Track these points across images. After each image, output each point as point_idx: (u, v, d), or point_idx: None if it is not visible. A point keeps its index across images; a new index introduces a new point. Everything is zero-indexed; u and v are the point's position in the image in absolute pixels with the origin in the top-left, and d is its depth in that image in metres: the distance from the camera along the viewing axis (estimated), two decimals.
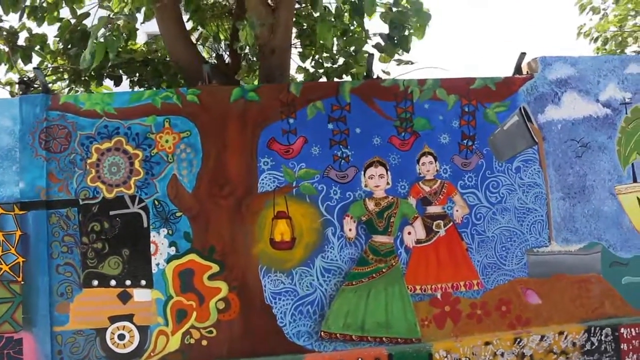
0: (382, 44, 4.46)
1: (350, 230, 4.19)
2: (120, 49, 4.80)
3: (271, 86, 4.39)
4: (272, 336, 4.13)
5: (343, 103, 4.30)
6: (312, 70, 5.37)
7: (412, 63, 4.68)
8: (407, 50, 4.34)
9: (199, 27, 5.57)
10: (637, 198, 4.73)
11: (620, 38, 6.41)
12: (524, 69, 4.79)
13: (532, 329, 4.41)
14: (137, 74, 5.43)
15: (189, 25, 5.44)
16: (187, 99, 4.22)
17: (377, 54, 4.65)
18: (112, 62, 4.77)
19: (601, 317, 4.53)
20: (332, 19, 4.70)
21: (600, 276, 4.57)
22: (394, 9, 4.22)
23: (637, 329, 4.50)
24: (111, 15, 3.78)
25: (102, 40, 3.47)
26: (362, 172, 4.27)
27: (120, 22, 3.88)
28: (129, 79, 5.48)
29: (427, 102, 4.39)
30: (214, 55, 5.71)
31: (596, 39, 6.42)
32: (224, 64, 5.49)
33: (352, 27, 5.34)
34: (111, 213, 4.08)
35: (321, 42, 3.86)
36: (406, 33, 4.38)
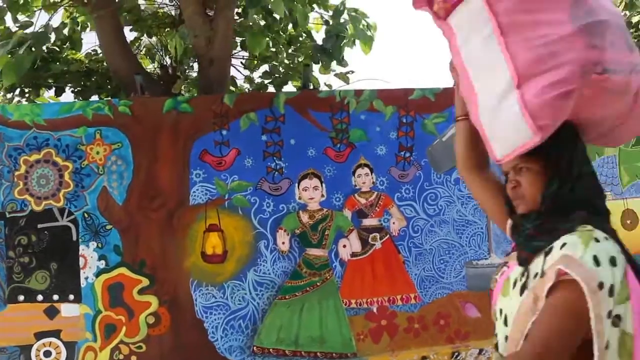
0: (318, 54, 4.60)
1: (283, 243, 4.33)
2: (58, 60, 4.93)
3: (204, 97, 4.55)
4: (203, 351, 4.24)
5: (277, 114, 4.45)
6: (258, 81, 5.52)
7: (351, 72, 4.84)
8: (340, 62, 4.49)
9: (142, 38, 5.71)
10: None
11: None
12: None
13: (470, 342, 4.53)
14: (81, 85, 5.55)
15: (132, 36, 5.58)
16: (119, 110, 4.36)
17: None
18: (52, 72, 4.89)
19: None
20: (267, 28, 4.84)
21: None
22: (330, 21, 4.37)
23: None
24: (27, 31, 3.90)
25: (10, 57, 3.60)
26: (296, 184, 4.41)
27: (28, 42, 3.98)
28: (71, 90, 5.60)
29: (364, 113, 4.55)
30: (159, 66, 5.86)
31: None
32: (167, 74, 5.63)
33: (300, 38, 5.50)
34: (39, 226, 4.19)
35: (255, 52, 4.00)
36: (348, 43, 4.52)
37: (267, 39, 4.63)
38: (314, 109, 4.59)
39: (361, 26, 5.12)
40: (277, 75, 5.34)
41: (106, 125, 4.41)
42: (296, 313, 4.40)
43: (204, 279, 4.35)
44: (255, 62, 5.65)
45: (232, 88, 6.28)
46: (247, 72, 5.75)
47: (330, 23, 4.58)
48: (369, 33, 5.30)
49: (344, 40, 4.60)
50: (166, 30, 5.52)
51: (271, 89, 5.74)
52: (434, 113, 4.74)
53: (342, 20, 4.62)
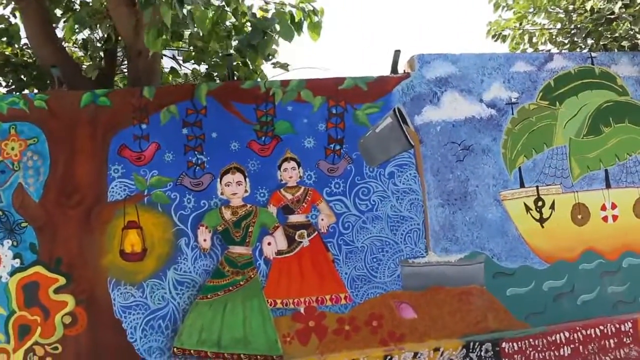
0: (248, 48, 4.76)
1: (204, 240, 4.50)
2: None
3: (123, 90, 4.74)
4: (121, 352, 4.44)
5: (199, 107, 4.63)
6: (190, 72, 5.71)
7: (287, 65, 4.99)
8: (265, 57, 4.65)
9: (77, 29, 5.92)
10: (525, 204, 5.01)
11: (517, 36, 6.72)
12: (405, 67, 5.07)
13: (405, 345, 4.69)
14: (16, 77, 5.77)
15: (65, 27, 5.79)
16: (35, 104, 4.56)
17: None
18: None
19: (483, 331, 4.80)
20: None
21: (483, 288, 4.86)
22: (258, 15, 4.53)
23: (519, 343, 4.77)
24: None
25: None
26: (218, 179, 4.59)
27: None
28: (5, 83, 5.82)
29: (291, 104, 4.71)
30: (97, 58, 6.07)
31: (498, 37, 6.72)
32: (107, 66, 5.84)
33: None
34: None
35: (202, 28, 4.16)
36: (274, 41, 4.67)
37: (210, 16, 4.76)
38: (237, 100, 4.77)
39: (307, 11, 5.22)
40: (207, 67, 5.51)
41: (21, 120, 4.62)
42: (219, 313, 4.56)
43: (123, 277, 4.53)
44: (194, 53, 5.82)
45: (180, 81, 6.46)
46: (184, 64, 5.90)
47: (257, 16, 4.71)
48: (316, 18, 5.43)
49: (271, 36, 4.71)
50: (98, 21, 5.70)
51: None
52: (367, 103, 4.91)
53: (269, 15, 4.75)
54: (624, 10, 5.71)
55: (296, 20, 5.10)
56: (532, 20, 6.75)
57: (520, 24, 6.67)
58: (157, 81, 5.46)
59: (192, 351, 4.59)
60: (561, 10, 6.47)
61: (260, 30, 4.72)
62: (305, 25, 5.20)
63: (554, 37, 6.67)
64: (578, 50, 6.58)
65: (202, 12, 4.17)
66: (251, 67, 5.38)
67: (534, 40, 6.80)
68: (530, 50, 7.08)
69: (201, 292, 4.64)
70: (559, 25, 6.66)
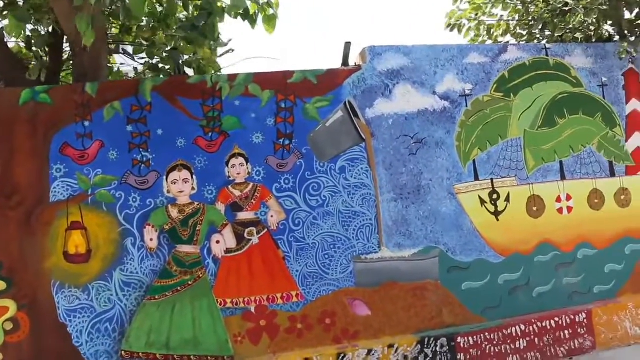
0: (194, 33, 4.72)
1: (151, 240, 4.48)
2: None
3: (64, 87, 4.68)
4: (67, 357, 4.43)
5: (143, 103, 4.59)
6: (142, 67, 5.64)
7: (231, 51, 4.96)
8: (214, 39, 4.60)
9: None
10: (479, 197, 5.05)
11: (474, 27, 6.77)
12: (357, 60, 5.07)
13: (360, 342, 4.72)
14: None
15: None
16: None
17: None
18: None
19: (438, 326, 4.86)
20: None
21: (437, 282, 4.90)
22: None
23: (475, 337, 4.82)
24: None
25: None
26: (165, 177, 4.57)
27: None
28: None
29: (239, 98, 4.71)
30: (42, 55, 5.96)
31: (454, 27, 6.77)
32: (54, 62, 5.74)
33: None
34: None
35: (138, 15, 4.09)
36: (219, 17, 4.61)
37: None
38: (183, 96, 4.75)
39: (262, 3, 5.18)
40: (154, 60, 5.46)
41: None
42: (167, 314, 4.55)
43: (67, 280, 4.50)
44: (145, 48, 5.75)
45: (131, 76, 6.38)
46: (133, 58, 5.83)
47: None
48: (271, 11, 5.39)
49: (216, 15, 4.66)
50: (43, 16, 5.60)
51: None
52: (316, 97, 4.93)
53: None
54: (576, 2, 5.78)
55: (251, 13, 5.05)
56: (489, 12, 6.80)
57: (477, 15, 6.72)
58: (104, 77, 5.40)
59: (140, 354, 4.58)
60: (518, 2, 6.52)
61: (206, 12, 4.67)
62: (260, 18, 5.15)
63: (511, 28, 6.73)
64: (535, 41, 6.64)
65: None
66: (199, 57, 5.32)
67: (492, 32, 6.85)
68: (489, 42, 7.14)
69: (149, 293, 4.63)
70: (517, 17, 6.72)
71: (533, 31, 6.75)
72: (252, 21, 5.11)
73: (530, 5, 6.59)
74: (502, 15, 6.97)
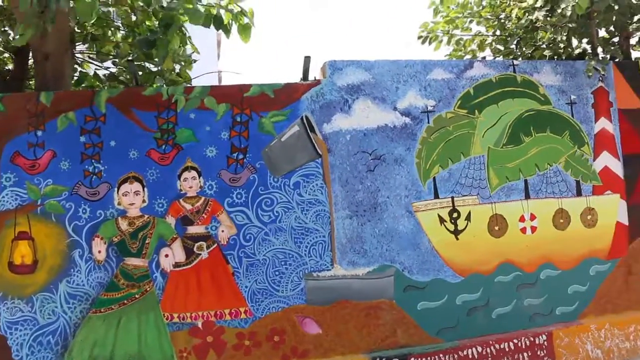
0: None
1: (99, 252, 4.54)
2: None
3: (18, 95, 4.76)
4: None
5: (98, 114, 4.67)
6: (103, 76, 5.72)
7: (193, 61, 5.02)
8: (165, 54, 4.66)
9: None
10: (439, 216, 5.07)
11: (447, 41, 6.82)
12: (319, 74, 5.12)
13: None
14: None
15: None
16: None
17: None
18: None
19: (392, 346, 4.88)
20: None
21: (392, 302, 4.94)
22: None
23: (429, 358, 4.90)
24: None
25: None
26: (116, 189, 4.61)
27: None
28: None
29: (194, 111, 4.76)
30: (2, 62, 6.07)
31: (425, 40, 6.81)
32: (18, 70, 5.85)
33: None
34: None
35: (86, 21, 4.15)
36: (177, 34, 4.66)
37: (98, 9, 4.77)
38: (138, 107, 4.81)
39: (235, 13, 5.23)
40: (116, 71, 5.54)
41: None
42: (112, 328, 4.60)
43: (10, 291, 4.55)
44: (110, 57, 5.84)
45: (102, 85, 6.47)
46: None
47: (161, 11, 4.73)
48: (245, 20, 5.44)
49: (175, 29, 4.72)
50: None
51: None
52: (273, 111, 4.97)
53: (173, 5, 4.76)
54: (545, 19, 5.80)
55: (225, 23, 5.10)
56: (466, 27, 6.83)
57: (450, 28, 6.76)
58: (67, 85, 5.47)
59: None
60: (493, 18, 6.56)
61: (163, 23, 4.73)
62: (235, 27, 5.18)
63: (485, 44, 6.76)
64: (512, 57, 6.66)
65: (84, 3, 4.15)
66: (161, 69, 5.39)
67: (465, 45, 6.89)
68: (468, 57, 7.17)
69: (94, 305, 4.67)
70: (493, 33, 6.75)
71: (510, 47, 6.78)
72: (227, 30, 5.16)
73: (506, 21, 6.62)
74: (479, 31, 7.01)
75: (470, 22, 6.88)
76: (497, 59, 6.69)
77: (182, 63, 5.76)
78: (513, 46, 6.58)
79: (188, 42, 5.87)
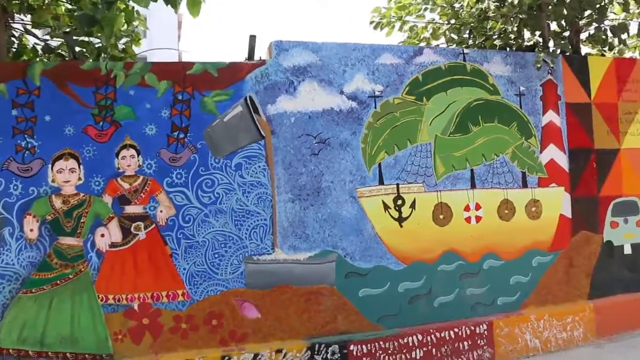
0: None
1: (31, 230, 4.67)
2: None
3: None
4: None
5: (32, 87, 4.78)
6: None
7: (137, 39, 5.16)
8: (112, 34, 4.80)
9: None
10: (383, 202, 5.36)
11: (399, 28, 7.16)
12: (265, 55, 5.35)
13: (247, 346, 4.97)
14: None
15: None
16: None
17: None
18: None
19: (332, 332, 5.14)
20: None
21: (333, 288, 5.20)
22: None
23: (369, 345, 5.13)
24: None
25: None
26: (50, 166, 4.73)
27: None
28: None
29: (133, 88, 4.92)
30: None
31: (377, 25, 7.13)
32: None
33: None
34: None
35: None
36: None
37: None
38: (75, 82, 4.95)
39: None
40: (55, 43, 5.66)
41: None
42: (44, 309, 4.74)
43: None
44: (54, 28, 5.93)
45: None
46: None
47: None
48: None
49: (117, 10, 4.88)
50: None
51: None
52: (216, 90, 5.17)
53: None
54: (496, 9, 6.17)
55: None
56: (420, 14, 7.16)
57: (402, 15, 7.08)
58: (2, 56, 5.55)
59: (10, 350, 4.72)
60: (447, 6, 6.90)
61: (105, 2, 4.87)
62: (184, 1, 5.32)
63: (438, 32, 7.11)
64: (464, 47, 7.03)
65: None
66: (103, 44, 5.54)
67: (418, 33, 7.23)
68: (423, 44, 7.52)
69: (25, 285, 4.78)
70: (446, 20, 7.10)
71: (463, 36, 7.14)
72: (175, 5, 5.32)
73: (460, 10, 6.98)
74: (433, 18, 7.36)
75: (425, 9, 7.21)
76: (449, 47, 7.03)
77: (129, 38, 5.91)
78: (466, 35, 6.93)
79: (137, 16, 6.02)
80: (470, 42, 6.95)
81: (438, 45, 7.17)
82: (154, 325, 4.93)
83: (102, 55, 5.80)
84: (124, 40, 5.98)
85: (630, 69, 6.59)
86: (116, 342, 4.86)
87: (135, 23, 6.09)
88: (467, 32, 6.73)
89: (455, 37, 7.07)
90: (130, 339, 4.89)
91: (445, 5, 7.02)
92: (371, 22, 7.16)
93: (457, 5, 6.87)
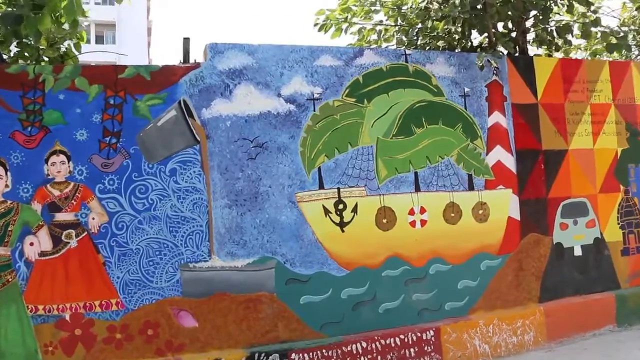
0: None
1: None
2: None
3: None
4: None
5: None
6: None
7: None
8: (33, 35, 5.35)
9: None
10: (324, 207, 5.99)
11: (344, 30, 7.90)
12: (201, 58, 5.98)
13: (184, 355, 5.49)
14: None
15: None
16: None
17: None
18: None
19: (273, 341, 5.69)
20: None
21: (273, 295, 5.76)
22: None
23: (310, 353, 5.69)
24: None
25: None
26: None
27: None
28: None
29: (63, 92, 5.46)
30: None
31: (322, 28, 7.86)
32: None
33: None
34: None
35: None
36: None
37: None
38: (1, 86, 5.46)
39: None
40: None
41: None
42: None
43: None
44: None
45: None
46: None
47: None
48: None
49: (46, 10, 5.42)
50: None
51: None
52: (149, 94, 5.72)
53: None
54: (438, 9, 6.92)
55: None
56: (369, 16, 7.89)
57: (347, 17, 7.80)
58: None
59: None
60: (395, 7, 7.64)
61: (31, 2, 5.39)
62: None
63: (387, 34, 7.85)
64: (413, 48, 7.75)
65: None
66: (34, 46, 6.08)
67: (364, 36, 7.96)
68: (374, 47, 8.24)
69: None
70: (394, 22, 7.85)
71: (412, 37, 7.89)
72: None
73: (408, 12, 7.73)
74: (380, 20, 8.10)
75: (374, 11, 7.94)
76: (399, 48, 7.75)
77: (74, 39, 6.47)
78: (415, 37, 7.67)
79: (80, 16, 6.57)
80: (419, 43, 7.67)
81: (388, 47, 7.88)
82: (87, 335, 5.37)
83: (39, 57, 6.35)
84: (67, 42, 6.49)
85: (577, 69, 7.34)
86: (47, 354, 5.25)
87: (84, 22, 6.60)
88: (415, 33, 7.44)
89: (405, 38, 7.79)
90: (61, 350, 5.31)
91: (393, 6, 7.75)
92: (315, 24, 7.85)
93: (404, 7, 7.58)
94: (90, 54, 7.07)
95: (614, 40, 7.30)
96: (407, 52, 6.56)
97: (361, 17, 7.75)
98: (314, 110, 6.07)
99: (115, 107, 5.58)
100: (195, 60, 5.94)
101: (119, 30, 40.58)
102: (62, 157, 5.43)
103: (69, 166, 5.43)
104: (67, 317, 5.39)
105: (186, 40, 5.81)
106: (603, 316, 6.98)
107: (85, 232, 5.45)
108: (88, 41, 7.13)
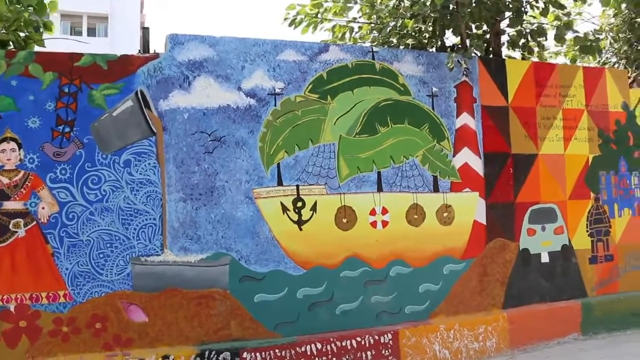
0: None
1: None
2: None
3: None
4: None
5: None
6: None
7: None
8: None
9: None
10: (282, 204, 6.33)
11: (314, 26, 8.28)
12: (162, 48, 6.33)
13: (133, 351, 5.80)
14: None
15: None
16: None
17: None
18: None
19: (224, 339, 6.01)
20: None
21: (226, 292, 6.09)
22: None
23: (263, 353, 6.02)
24: None
25: None
26: None
27: None
28: None
29: (16, 78, 5.77)
30: None
31: (292, 23, 8.25)
32: None
33: None
34: None
35: None
36: None
37: None
38: None
39: None
40: None
41: None
42: None
43: None
44: None
45: None
46: None
47: None
48: None
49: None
50: None
51: None
52: (105, 83, 6.04)
53: None
54: (408, 7, 7.30)
55: None
56: (341, 12, 8.27)
57: (317, 13, 8.18)
58: None
59: None
60: (368, 4, 8.03)
61: None
62: None
63: (355, 32, 8.23)
64: (386, 46, 8.12)
65: None
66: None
67: (335, 32, 8.35)
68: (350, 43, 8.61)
69: None
70: (368, 20, 8.23)
71: (385, 36, 8.27)
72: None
73: (380, 9, 8.11)
74: (354, 17, 8.49)
75: (348, 8, 8.33)
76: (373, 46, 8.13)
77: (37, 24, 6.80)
78: (388, 35, 8.05)
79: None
80: (393, 41, 8.05)
81: (362, 44, 8.24)
82: (32, 328, 5.64)
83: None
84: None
85: (550, 74, 7.73)
86: None
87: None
88: (388, 31, 7.81)
89: (378, 35, 8.16)
90: (4, 342, 5.55)
91: (367, 3, 8.13)
92: (285, 19, 8.23)
93: (377, 5, 7.97)
94: (75, 46, 7.37)
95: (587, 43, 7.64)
96: (375, 49, 6.89)
97: (334, 12, 8.08)
98: (275, 105, 6.40)
99: (70, 95, 5.87)
100: (155, 51, 6.21)
101: (111, 23, 41.07)
102: (13, 145, 5.71)
103: (19, 154, 5.70)
104: (12, 308, 5.65)
105: (146, 30, 6.16)
106: (568, 324, 7.32)
107: (35, 222, 5.71)
108: (80, 33, 7.45)
